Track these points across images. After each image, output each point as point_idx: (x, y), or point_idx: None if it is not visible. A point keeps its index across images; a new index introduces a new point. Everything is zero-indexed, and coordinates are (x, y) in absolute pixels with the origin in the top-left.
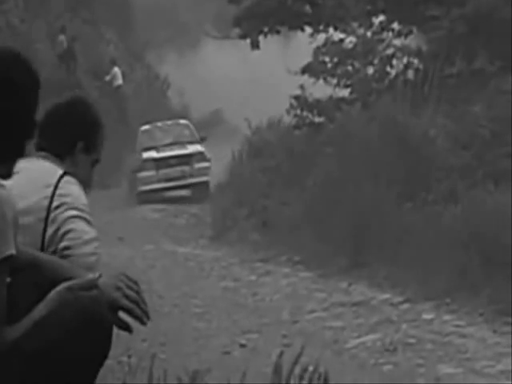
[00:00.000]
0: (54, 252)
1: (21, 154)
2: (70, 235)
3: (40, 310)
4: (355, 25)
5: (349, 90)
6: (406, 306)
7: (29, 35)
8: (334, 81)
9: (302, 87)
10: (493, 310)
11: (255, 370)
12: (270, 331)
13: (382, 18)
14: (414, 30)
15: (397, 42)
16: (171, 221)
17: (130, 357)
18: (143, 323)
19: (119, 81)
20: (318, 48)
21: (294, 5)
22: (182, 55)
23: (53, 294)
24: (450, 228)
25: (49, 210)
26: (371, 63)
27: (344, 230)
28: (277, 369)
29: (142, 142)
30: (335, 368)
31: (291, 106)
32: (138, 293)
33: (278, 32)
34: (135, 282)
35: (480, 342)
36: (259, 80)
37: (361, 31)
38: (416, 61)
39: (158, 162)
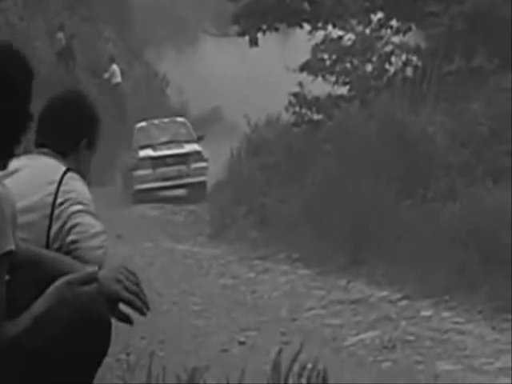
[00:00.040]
0: (60, 248)
1: (17, 145)
2: (76, 229)
3: (39, 305)
4: (354, 22)
5: (347, 87)
6: (404, 303)
7: (27, 33)
8: (333, 78)
9: (300, 84)
10: (491, 307)
11: (254, 367)
12: (269, 329)
13: (380, 15)
14: (413, 27)
15: (395, 39)
16: (169, 218)
17: (128, 354)
18: (143, 314)
19: (118, 78)
20: (316, 45)
21: (292, 2)
22: (181, 53)
23: (52, 288)
24: (448, 225)
25: (53, 206)
26: (370, 60)
27: (343, 227)
28: (275, 366)
29: (137, 140)
30: (334, 365)
31: (290, 103)
32: (137, 284)
33: (276, 29)
34: (134, 274)
35: (479, 338)
36: (258, 77)
37: (359, 28)
38: (415, 58)
39: (155, 161)
